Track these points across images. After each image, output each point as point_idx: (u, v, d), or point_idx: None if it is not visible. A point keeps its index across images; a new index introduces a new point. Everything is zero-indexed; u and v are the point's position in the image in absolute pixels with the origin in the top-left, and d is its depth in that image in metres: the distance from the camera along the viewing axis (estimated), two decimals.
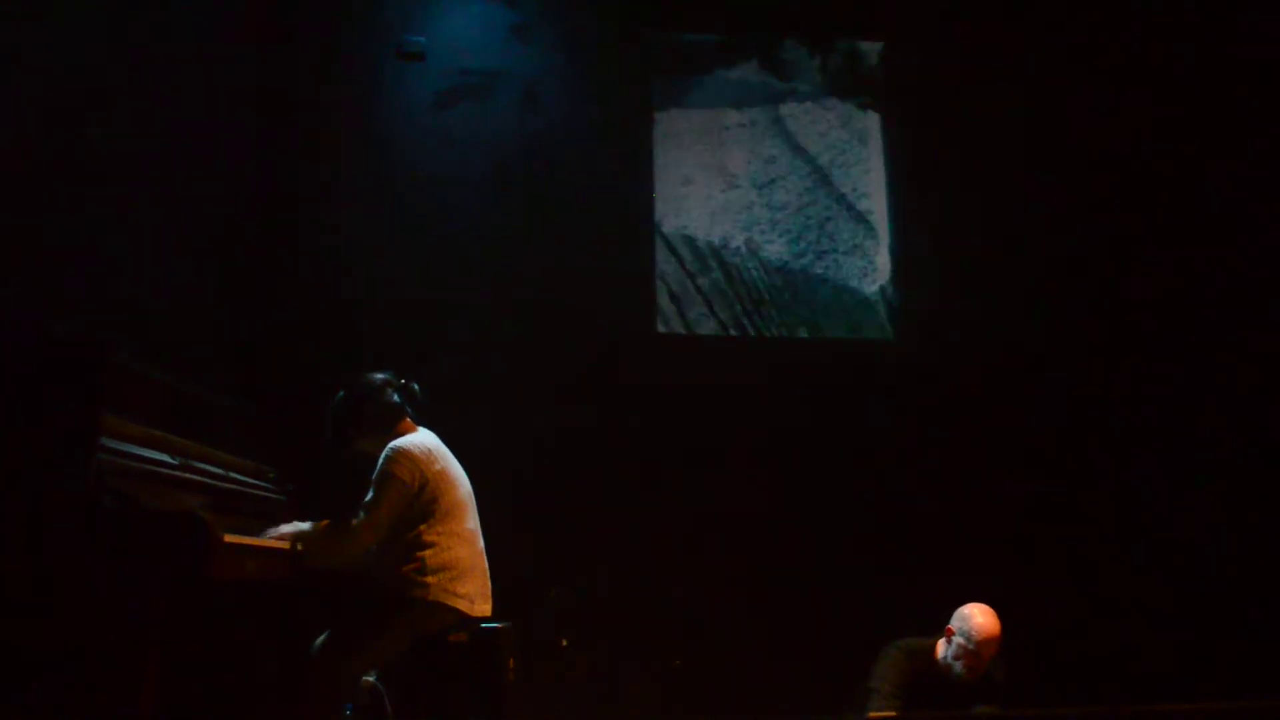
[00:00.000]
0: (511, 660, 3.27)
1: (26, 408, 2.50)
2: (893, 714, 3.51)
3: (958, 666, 3.58)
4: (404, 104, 4.99)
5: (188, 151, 4.19)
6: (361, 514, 3.13)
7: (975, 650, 3.55)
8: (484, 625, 3.26)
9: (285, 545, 3.01)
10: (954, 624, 3.63)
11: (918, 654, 3.67)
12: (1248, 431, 5.03)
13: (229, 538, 2.61)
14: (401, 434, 3.31)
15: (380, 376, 3.37)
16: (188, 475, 2.86)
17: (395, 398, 3.35)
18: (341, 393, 3.36)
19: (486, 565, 3.34)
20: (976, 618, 3.60)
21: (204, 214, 4.35)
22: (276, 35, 4.86)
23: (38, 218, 3.32)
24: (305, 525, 3.13)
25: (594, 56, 5.16)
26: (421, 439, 3.30)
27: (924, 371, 5.06)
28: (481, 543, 3.35)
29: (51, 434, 2.48)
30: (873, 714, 3.45)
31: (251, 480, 3.35)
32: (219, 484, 3.04)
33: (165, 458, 2.79)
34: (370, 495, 3.16)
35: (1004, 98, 5.27)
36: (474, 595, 3.23)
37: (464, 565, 3.22)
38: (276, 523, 3.17)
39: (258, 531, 3.03)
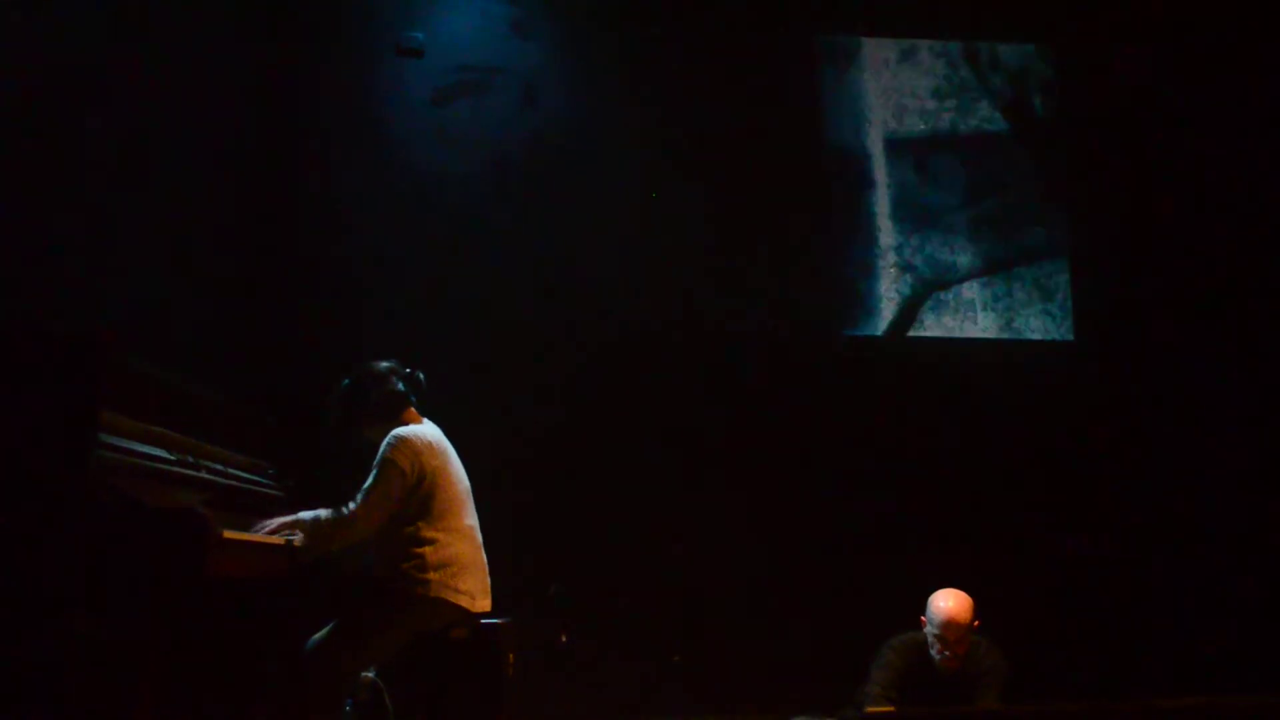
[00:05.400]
0: (511, 656, 3.28)
1: (25, 404, 2.50)
2: (890, 709, 3.51)
3: (934, 654, 3.59)
4: (403, 100, 4.99)
5: (186, 149, 4.20)
6: (359, 499, 3.14)
7: (939, 634, 3.55)
8: (484, 621, 3.26)
9: (283, 541, 3.01)
10: (925, 613, 3.64)
11: (911, 649, 3.67)
12: None
13: (228, 534, 2.62)
14: (405, 423, 3.31)
15: (385, 365, 3.37)
16: (186, 471, 2.86)
17: (400, 386, 3.35)
18: (347, 380, 3.37)
19: (485, 561, 3.35)
20: (936, 602, 3.60)
21: (204, 211, 4.35)
22: (275, 32, 4.85)
23: (38, 217, 3.32)
24: (302, 514, 3.14)
25: (593, 52, 5.15)
26: (424, 431, 3.30)
27: (927, 368, 5.07)
28: (480, 538, 3.36)
29: (50, 430, 2.48)
30: (870, 708, 3.46)
31: (250, 476, 3.36)
32: (218, 480, 3.04)
33: (164, 454, 2.79)
34: (369, 481, 3.16)
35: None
36: (474, 591, 3.23)
37: (464, 561, 3.23)
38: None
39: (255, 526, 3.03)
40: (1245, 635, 4.75)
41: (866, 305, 5.17)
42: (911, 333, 5.15)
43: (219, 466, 3.11)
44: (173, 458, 2.83)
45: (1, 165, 3.13)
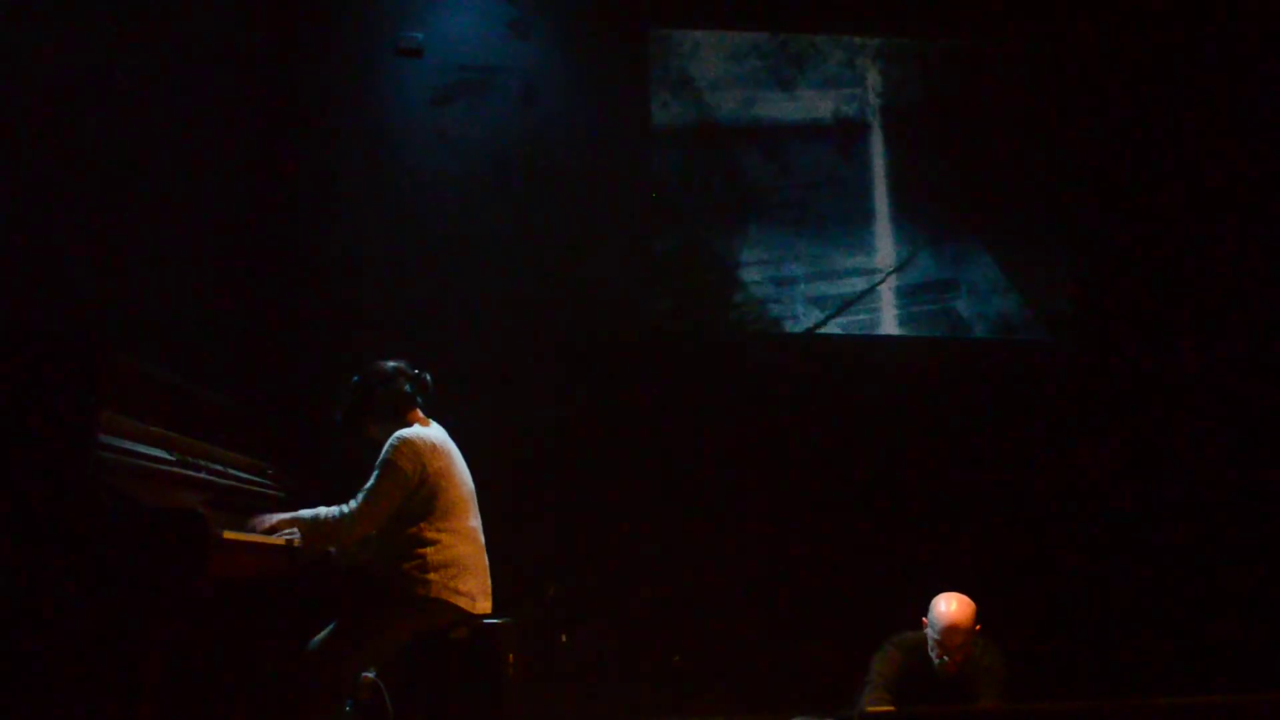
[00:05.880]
0: (511, 656, 3.28)
1: (26, 405, 2.50)
2: (890, 709, 3.51)
3: (934, 657, 3.58)
4: (402, 101, 4.98)
5: (186, 149, 4.20)
6: (359, 498, 3.14)
7: (939, 639, 3.53)
8: (484, 622, 3.26)
9: (283, 542, 3.01)
10: (927, 615, 3.63)
11: (911, 647, 3.66)
12: None
13: (228, 534, 2.62)
14: (410, 424, 3.31)
15: (394, 364, 3.38)
16: (187, 472, 2.86)
17: (407, 387, 3.36)
18: (356, 377, 3.38)
19: (487, 563, 3.35)
20: (939, 606, 3.57)
21: (203, 212, 4.35)
22: (274, 33, 4.85)
23: (38, 217, 3.32)
24: (301, 512, 3.14)
25: (592, 51, 5.15)
26: (428, 433, 3.30)
27: (927, 367, 5.07)
28: (483, 540, 3.36)
29: (51, 431, 2.48)
30: (870, 708, 3.45)
31: (251, 477, 3.36)
32: (218, 481, 3.04)
33: (164, 455, 2.79)
34: (370, 482, 3.17)
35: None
36: (475, 593, 3.24)
37: (466, 563, 3.23)
38: None
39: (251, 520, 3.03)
40: (1245, 634, 4.75)
41: (866, 305, 5.17)
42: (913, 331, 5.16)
43: (219, 467, 3.11)
44: (173, 458, 2.83)
45: (2, 165, 3.13)
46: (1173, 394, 5.09)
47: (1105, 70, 5.32)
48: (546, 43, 5.14)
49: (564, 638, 4.34)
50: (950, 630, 3.51)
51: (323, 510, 3.14)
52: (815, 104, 5.28)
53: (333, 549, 3.28)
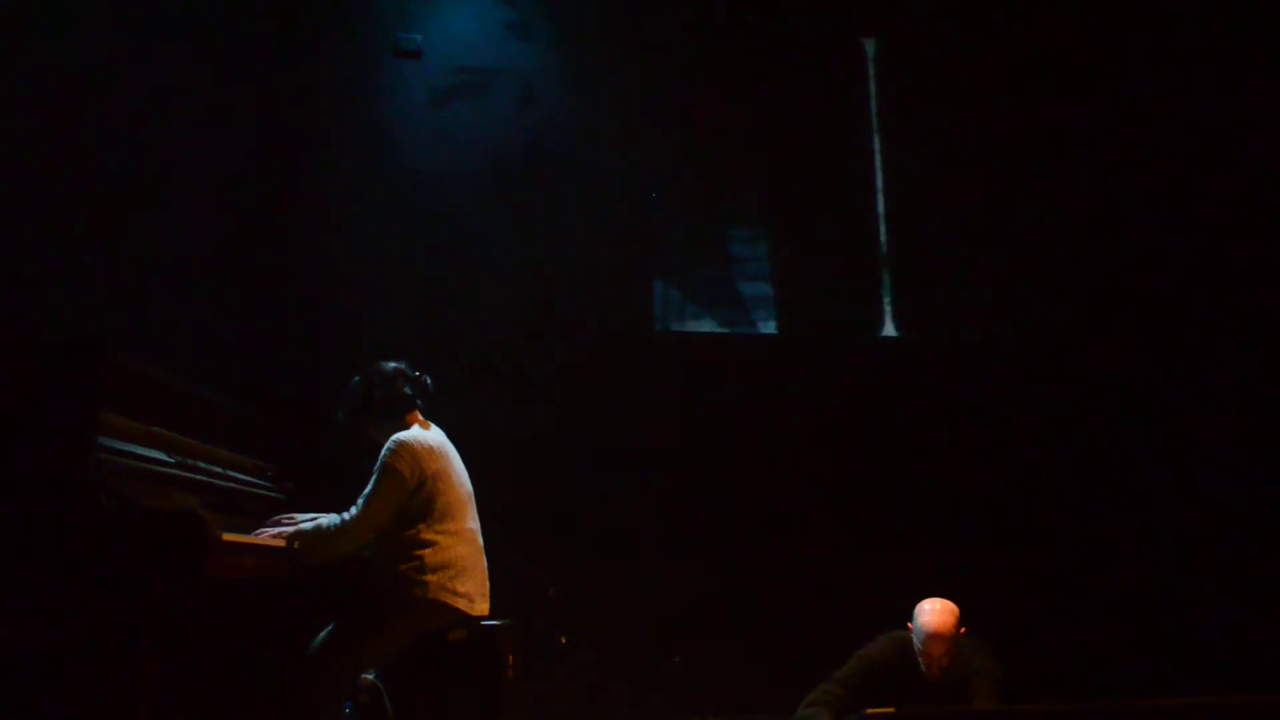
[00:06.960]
0: (510, 658, 3.28)
1: (25, 406, 2.50)
2: (890, 710, 3.51)
3: (920, 663, 3.56)
4: (401, 102, 4.98)
5: (186, 151, 4.21)
6: (359, 505, 3.14)
7: (923, 649, 3.52)
8: (483, 623, 3.26)
9: (283, 544, 3.01)
10: (912, 620, 3.61)
11: (901, 648, 3.64)
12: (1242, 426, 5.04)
13: (227, 536, 2.62)
14: (409, 426, 3.31)
15: (394, 366, 3.38)
16: (186, 474, 2.86)
17: (407, 389, 3.36)
18: (357, 378, 3.38)
19: (485, 564, 3.35)
20: (921, 615, 3.55)
21: (203, 213, 4.36)
22: (274, 34, 4.85)
23: (38, 219, 3.33)
24: (301, 518, 3.14)
25: (591, 53, 5.16)
26: (426, 435, 3.30)
27: (924, 367, 5.07)
28: (481, 542, 3.36)
29: (50, 433, 2.49)
30: (870, 710, 3.45)
31: (250, 479, 3.36)
32: (218, 483, 3.05)
33: (164, 456, 2.80)
34: (369, 487, 3.17)
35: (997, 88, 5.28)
36: (473, 594, 3.24)
37: (463, 564, 3.23)
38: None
39: (256, 530, 3.04)
40: (1243, 634, 4.76)
41: (872, 308, 5.18)
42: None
43: (219, 469, 3.12)
44: (172, 460, 2.83)
45: (3, 167, 3.14)
46: (1182, 392, 5.10)
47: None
48: (544, 44, 5.14)
49: (564, 639, 4.33)
50: (932, 638, 3.50)
51: (323, 520, 3.13)
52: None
53: (335, 557, 3.27)
